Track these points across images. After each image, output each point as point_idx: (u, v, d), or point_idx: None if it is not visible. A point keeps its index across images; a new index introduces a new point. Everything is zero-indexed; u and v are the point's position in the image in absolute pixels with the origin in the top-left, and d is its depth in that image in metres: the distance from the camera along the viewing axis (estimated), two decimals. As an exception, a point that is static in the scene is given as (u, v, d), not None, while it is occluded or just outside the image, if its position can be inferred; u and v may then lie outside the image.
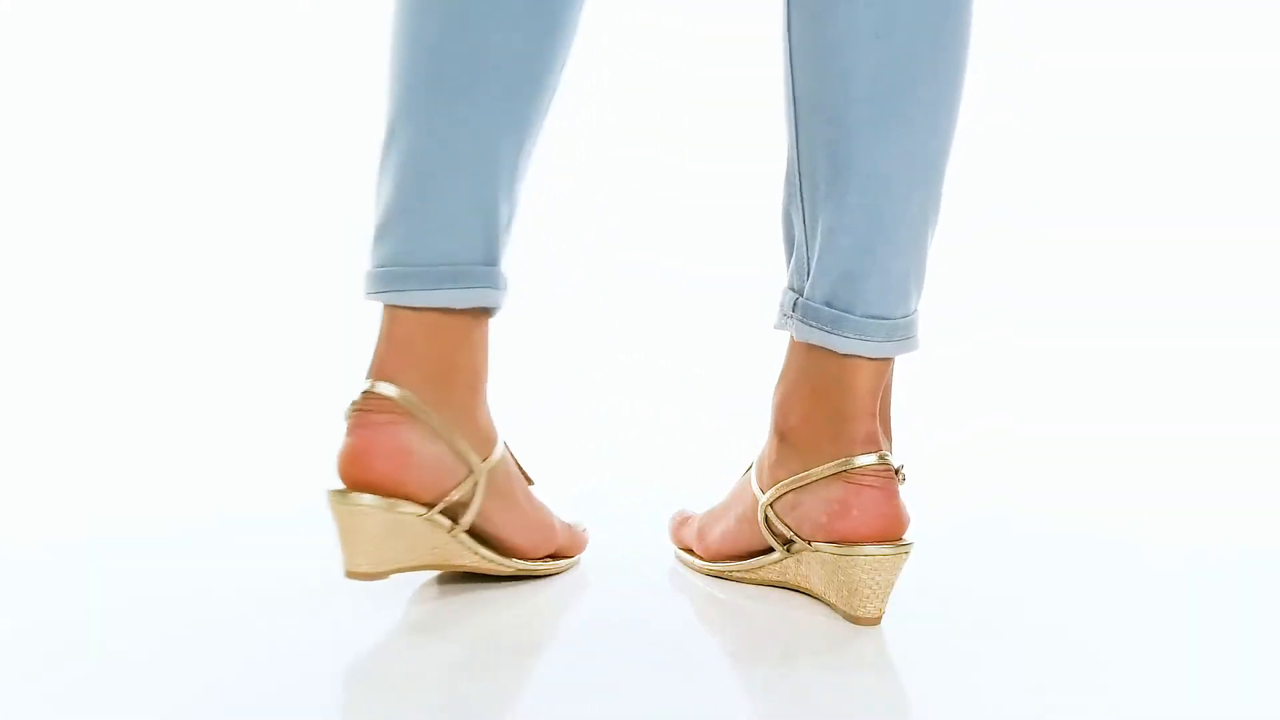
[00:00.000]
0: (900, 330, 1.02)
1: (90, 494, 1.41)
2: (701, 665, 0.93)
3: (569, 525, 1.13)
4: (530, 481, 1.11)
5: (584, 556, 1.14)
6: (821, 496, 1.01)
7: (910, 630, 0.98)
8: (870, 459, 1.00)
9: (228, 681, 0.91)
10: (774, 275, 1.06)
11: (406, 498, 0.99)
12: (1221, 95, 2.02)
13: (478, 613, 1.03)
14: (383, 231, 1.00)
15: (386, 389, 0.99)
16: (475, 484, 1.02)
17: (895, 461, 1.01)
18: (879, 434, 1.01)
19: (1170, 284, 1.91)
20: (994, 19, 2.04)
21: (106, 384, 1.83)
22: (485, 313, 1.03)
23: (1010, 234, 1.98)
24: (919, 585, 1.05)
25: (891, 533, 0.99)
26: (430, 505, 1.00)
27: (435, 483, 1.00)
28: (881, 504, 1.00)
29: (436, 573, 1.08)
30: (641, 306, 1.88)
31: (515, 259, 1.06)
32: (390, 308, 1.00)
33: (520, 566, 1.08)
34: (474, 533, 1.06)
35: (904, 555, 0.99)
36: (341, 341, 1.72)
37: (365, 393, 0.99)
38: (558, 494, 1.16)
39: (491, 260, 1.00)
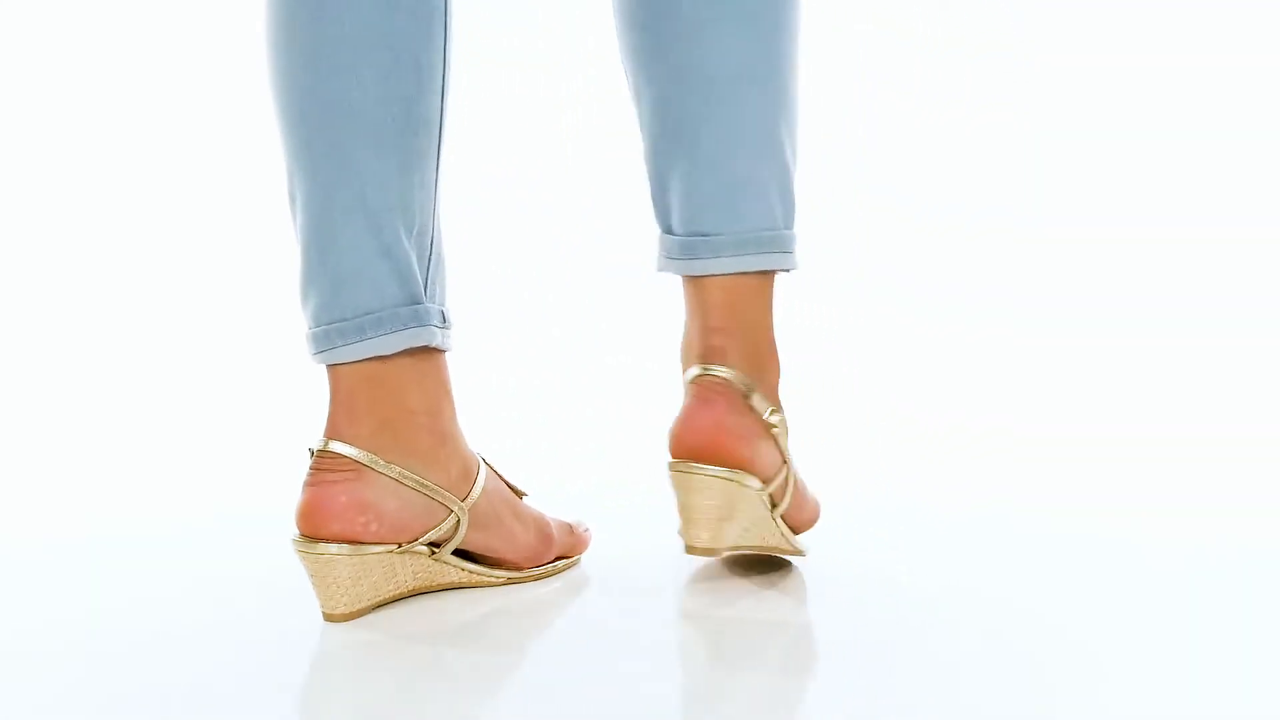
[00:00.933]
0: (753, 244, 1.00)
1: (90, 494, 1.41)
2: (692, 666, 0.93)
3: (569, 526, 1.12)
4: (521, 495, 1.10)
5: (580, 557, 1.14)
6: None
7: (909, 630, 0.98)
8: (695, 370, 1.00)
9: (224, 682, 0.91)
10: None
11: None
12: (1222, 95, 2.02)
13: (466, 612, 1.03)
14: (303, 293, 1.01)
15: (339, 447, 0.99)
16: (458, 521, 1.02)
17: (754, 394, 1.00)
18: (725, 350, 1.00)
19: (1170, 284, 1.91)
20: (993, 19, 2.04)
21: (106, 384, 1.83)
22: (429, 351, 1.02)
23: (1010, 234, 1.98)
24: (919, 585, 1.05)
25: (701, 446, 0.97)
26: (402, 544, 1.00)
27: (402, 529, 1.00)
28: (696, 416, 0.99)
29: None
30: (628, 309, 1.88)
31: (454, 288, 1.05)
32: (329, 366, 1.01)
33: (511, 576, 1.08)
34: (460, 553, 1.05)
35: (723, 481, 0.97)
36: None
37: (319, 452, 0.99)
38: (547, 496, 1.15)
39: (414, 299, 1.00)
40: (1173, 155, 1.99)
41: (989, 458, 1.49)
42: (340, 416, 1.00)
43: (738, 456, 0.98)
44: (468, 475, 1.03)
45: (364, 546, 0.98)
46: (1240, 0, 2.01)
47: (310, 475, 0.99)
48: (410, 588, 1.02)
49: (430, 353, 1.02)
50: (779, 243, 1.01)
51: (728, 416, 0.98)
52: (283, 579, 1.05)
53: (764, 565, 1.10)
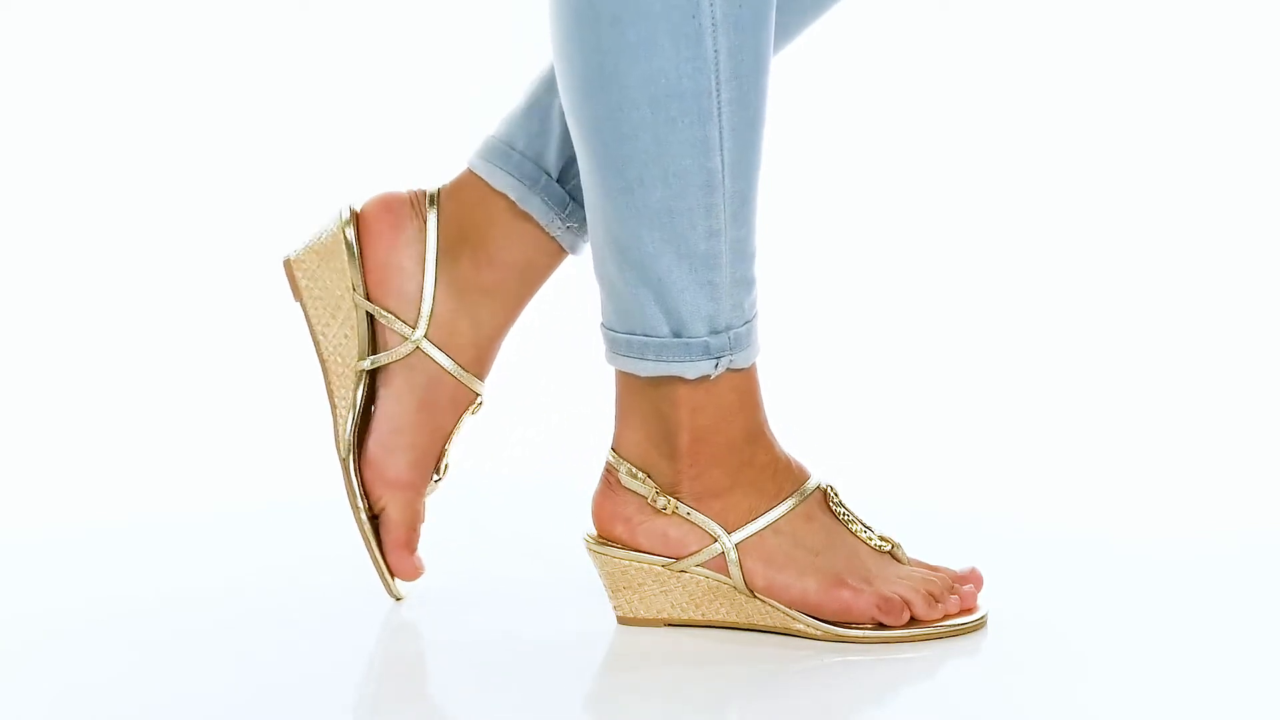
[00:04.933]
0: (626, 346, 0.97)
1: (90, 494, 1.41)
2: (688, 665, 0.93)
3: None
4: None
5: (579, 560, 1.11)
6: None
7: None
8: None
9: (220, 685, 0.91)
10: (771, 274, 1.05)
11: None
12: (1223, 93, 2.02)
13: (471, 613, 1.03)
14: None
15: None
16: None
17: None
18: (619, 433, 1.00)
19: (1171, 284, 1.91)
20: (995, 17, 2.04)
21: (107, 383, 1.83)
22: (684, 381, 0.97)
23: (1010, 234, 1.98)
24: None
25: (595, 520, 1.00)
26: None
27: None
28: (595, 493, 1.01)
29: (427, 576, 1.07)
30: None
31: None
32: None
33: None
34: None
35: (602, 558, 0.99)
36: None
37: None
38: (562, 494, 1.15)
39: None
40: (1174, 154, 1.99)
41: (989, 458, 1.49)
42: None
43: (612, 533, 0.99)
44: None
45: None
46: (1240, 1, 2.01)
47: None
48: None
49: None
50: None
51: (604, 498, 1.00)
52: (281, 578, 1.05)
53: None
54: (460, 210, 1.03)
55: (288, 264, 1.04)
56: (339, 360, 1.02)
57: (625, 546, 0.98)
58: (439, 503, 1.05)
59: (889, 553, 0.99)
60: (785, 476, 0.98)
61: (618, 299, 0.96)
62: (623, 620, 0.99)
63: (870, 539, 0.99)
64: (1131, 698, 0.88)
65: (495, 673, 0.94)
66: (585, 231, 1.02)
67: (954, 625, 0.97)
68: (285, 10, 2.04)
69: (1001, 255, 1.96)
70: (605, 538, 0.99)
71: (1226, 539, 1.20)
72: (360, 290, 1.03)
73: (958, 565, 1.01)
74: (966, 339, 1.82)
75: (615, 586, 0.98)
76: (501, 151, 1.03)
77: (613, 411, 1.00)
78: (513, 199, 1.02)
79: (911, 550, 1.01)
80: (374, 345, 1.03)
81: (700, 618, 0.98)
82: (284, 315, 1.72)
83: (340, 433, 1.02)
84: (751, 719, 0.87)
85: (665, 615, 0.98)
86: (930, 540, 1.03)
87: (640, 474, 0.98)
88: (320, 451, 1.07)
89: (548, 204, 1.03)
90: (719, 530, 0.96)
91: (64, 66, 2.04)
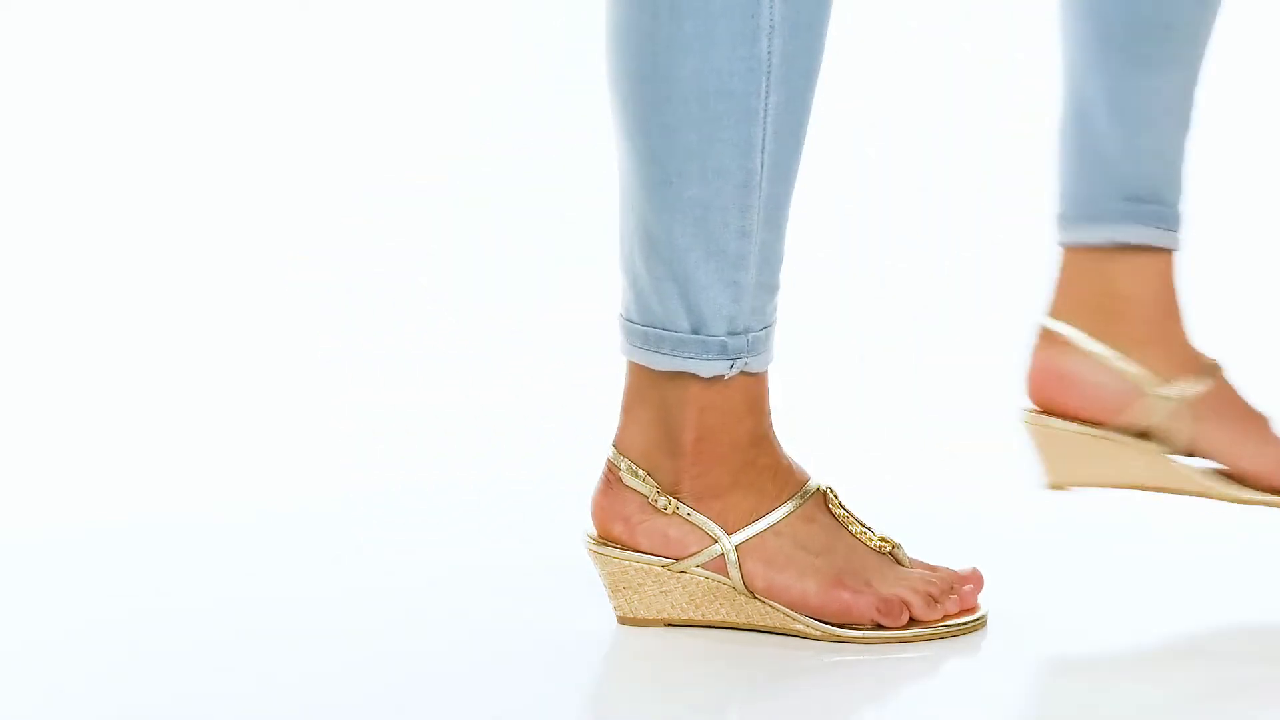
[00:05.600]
0: (644, 340, 0.97)
1: (90, 494, 1.41)
2: (690, 666, 0.93)
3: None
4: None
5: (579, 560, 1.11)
6: None
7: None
8: None
9: (220, 685, 0.91)
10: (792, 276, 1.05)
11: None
12: (1222, 92, 2.01)
13: (471, 610, 1.03)
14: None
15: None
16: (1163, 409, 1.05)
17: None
18: (621, 437, 1.00)
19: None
20: (995, 17, 2.04)
21: (107, 383, 1.83)
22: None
23: (1008, 235, 1.98)
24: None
25: (597, 524, 1.00)
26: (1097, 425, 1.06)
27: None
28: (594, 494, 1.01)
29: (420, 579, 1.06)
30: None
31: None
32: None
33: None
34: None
35: (605, 559, 0.99)
36: (341, 340, 1.71)
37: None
38: (562, 493, 1.15)
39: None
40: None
41: (990, 457, 1.49)
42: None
43: (611, 532, 0.98)
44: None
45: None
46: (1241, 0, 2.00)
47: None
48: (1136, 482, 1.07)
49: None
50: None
51: (604, 496, 0.99)
52: (281, 581, 1.05)
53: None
54: None
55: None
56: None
57: (624, 546, 0.98)
58: (438, 503, 1.05)
59: (889, 554, 0.99)
60: (786, 478, 0.99)
61: (640, 291, 0.96)
62: (623, 620, 0.99)
63: (870, 540, 0.99)
64: (1131, 698, 0.88)
65: (495, 673, 0.93)
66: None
67: (954, 625, 0.97)
68: (284, 8, 2.04)
69: (999, 255, 1.96)
70: (604, 537, 0.99)
71: (1226, 539, 1.20)
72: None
73: (958, 565, 1.01)
74: (966, 340, 1.82)
75: (615, 586, 0.98)
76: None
77: (613, 410, 1.00)
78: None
79: (911, 550, 1.01)
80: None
81: (700, 618, 0.98)
82: (283, 316, 1.73)
83: None
84: (751, 719, 0.87)
85: (665, 615, 0.98)
86: (930, 540, 1.03)
87: (641, 472, 0.98)
88: (319, 452, 1.06)
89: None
90: (719, 531, 0.96)
91: (62, 64, 2.04)
